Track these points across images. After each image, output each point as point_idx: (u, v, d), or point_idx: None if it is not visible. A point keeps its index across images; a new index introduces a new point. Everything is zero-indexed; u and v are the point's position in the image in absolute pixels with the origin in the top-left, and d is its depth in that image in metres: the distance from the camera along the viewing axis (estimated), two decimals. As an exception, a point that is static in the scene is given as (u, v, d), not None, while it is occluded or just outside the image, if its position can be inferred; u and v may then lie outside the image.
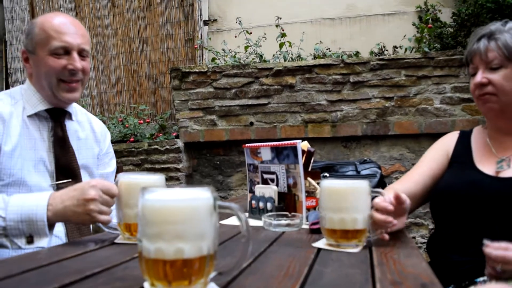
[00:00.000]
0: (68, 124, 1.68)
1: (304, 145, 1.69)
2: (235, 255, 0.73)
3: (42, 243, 1.21)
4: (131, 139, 4.08)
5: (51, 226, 1.21)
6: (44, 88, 1.57)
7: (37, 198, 1.23)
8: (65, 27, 1.56)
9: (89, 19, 5.02)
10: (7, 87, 5.22)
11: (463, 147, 1.56)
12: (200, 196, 0.68)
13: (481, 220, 1.37)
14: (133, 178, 1.17)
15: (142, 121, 4.39)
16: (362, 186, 1.09)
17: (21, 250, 1.49)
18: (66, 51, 1.55)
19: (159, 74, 4.86)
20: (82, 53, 1.59)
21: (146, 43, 4.90)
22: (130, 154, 3.86)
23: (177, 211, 0.66)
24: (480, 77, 1.40)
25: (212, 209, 0.68)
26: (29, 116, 1.56)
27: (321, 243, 1.11)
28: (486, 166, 1.45)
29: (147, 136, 4.15)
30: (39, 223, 1.20)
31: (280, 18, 4.05)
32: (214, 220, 0.69)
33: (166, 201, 0.67)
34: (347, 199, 1.07)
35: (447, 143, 1.61)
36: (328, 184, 1.10)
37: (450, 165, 1.56)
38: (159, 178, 1.15)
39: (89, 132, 1.79)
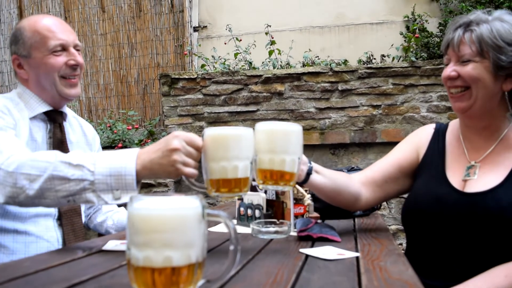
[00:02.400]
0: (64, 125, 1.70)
1: (292, 152, 1.71)
2: (223, 262, 0.73)
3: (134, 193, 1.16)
4: (119, 144, 4.08)
5: (138, 181, 1.16)
6: (46, 89, 1.59)
7: (126, 153, 1.18)
8: (56, 26, 1.60)
9: (78, 23, 5.01)
10: (-6, 91, 5.18)
11: (437, 148, 1.48)
12: (189, 205, 0.68)
13: (448, 239, 1.33)
14: (219, 130, 1.09)
15: (130, 127, 4.37)
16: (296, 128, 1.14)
17: (11, 255, 1.48)
18: (64, 48, 1.58)
19: (148, 79, 4.87)
20: (76, 48, 1.63)
21: (136, 49, 4.91)
22: (118, 159, 3.84)
23: (166, 219, 0.66)
24: (450, 69, 1.33)
25: (201, 218, 0.68)
26: (30, 119, 1.57)
27: (309, 250, 1.12)
28: (455, 173, 1.39)
29: (135, 142, 4.15)
30: (128, 177, 1.13)
31: (270, 26, 4.09)
32: (202, 228, 0.69)
33: (154, 210, 0.67)
34: (285, 140, 1.12)
35: (420, 140, 1.53)
36: (268, 126, 1.14)
37: (421, 168, 1.49)
38: (247, 130, 1.08)
39: (80, 136, 1.79)
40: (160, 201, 0.69)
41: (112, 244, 1.19)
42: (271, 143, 1.11)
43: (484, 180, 1.32)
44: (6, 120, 1.46)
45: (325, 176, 1.35)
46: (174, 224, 0.66)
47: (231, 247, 0.72)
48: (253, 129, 1.11)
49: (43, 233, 1.55)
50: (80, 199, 1.15)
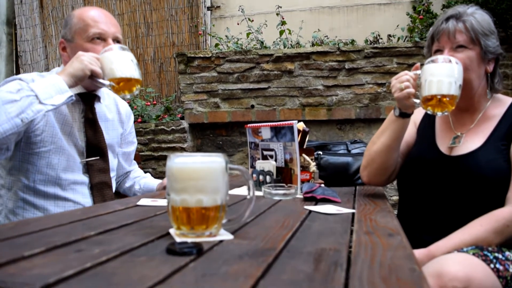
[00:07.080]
0: (97, 106, 1.81)
1: (300, 125, 1.83)
2: (241, 214, 0.92)
3: (68, 93, 1.50)
4: (139, 119, 4.19)
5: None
6: None
7: (48, 76, 1.53)
8: (100, 17, 1.70)
9: (97, 4, 5.09)
10: (17, 69, 5.33)
11: (428, 121, 1.67)
12: (216, 160, 0.85)
13: (436, 196, 1.51)
14: (106, 51, 1.57)
15: (149, 103, 4.49)
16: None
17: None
18: (103, 38, 1.68)
19: (164, 58, 4.94)
20: (116, 40, 1.72)
21: (152, 28, 4.97)
22: (138, 134, 3.96)
23: (198, 170, 0.83)
24: (447, 55, 1.46)
25: (224, 170, 0.86)
26: None
27: (312, 207, 1.28)
28: (444, 142, 1.58)
29: (153, 117, 4.27)
30: (61, 84, 1.48)
31: (281, 7, 4.16)
32: (226, 179, 0.86)
33: (190, 163, 0.84)
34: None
35: (415, 115, 1.70)
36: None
37: (417, 138, 1.69)
38: (124, 50, 1.58)
39: (115, 114, 1.92)
40: (194, 157, 0.87)
41: (144, 201, 1.37)
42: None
43: (466, 146, 1.51)
44: (21, 86, 1.58)
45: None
46: (204, 174, 0.83)
47: (248, 196, 0.90)
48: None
49: (80, 199, 1.72)
50: (31, 113, 1.42)
